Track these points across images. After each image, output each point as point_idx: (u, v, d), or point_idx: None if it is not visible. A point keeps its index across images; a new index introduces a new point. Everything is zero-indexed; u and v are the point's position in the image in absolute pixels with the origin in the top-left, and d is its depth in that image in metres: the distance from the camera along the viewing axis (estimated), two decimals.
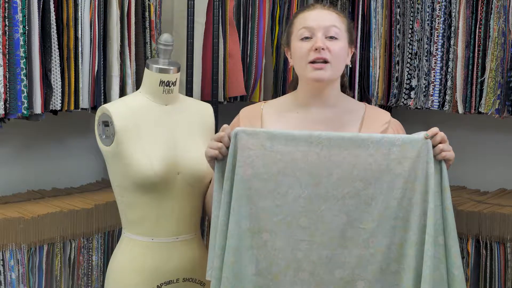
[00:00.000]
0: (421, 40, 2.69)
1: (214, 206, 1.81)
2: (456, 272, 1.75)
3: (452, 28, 2.60)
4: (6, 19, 2.15)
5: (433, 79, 2.65)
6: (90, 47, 2.37)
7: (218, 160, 1.81)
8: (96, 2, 2.36)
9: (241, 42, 2.81)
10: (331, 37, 1.88)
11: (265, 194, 1.79)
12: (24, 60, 2.19)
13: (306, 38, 1.89)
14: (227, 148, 1.79)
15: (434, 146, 1.76)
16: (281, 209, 1.78)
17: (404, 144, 1.77)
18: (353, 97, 2.19)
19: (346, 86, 2.07)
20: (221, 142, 1.79)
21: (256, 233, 1.79)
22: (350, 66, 2.18)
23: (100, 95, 2.40)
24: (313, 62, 1.87)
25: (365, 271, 1.78)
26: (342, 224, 1.78)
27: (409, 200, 1.76)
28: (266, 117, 1.99)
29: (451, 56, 2.61)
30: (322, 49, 1.85)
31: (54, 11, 2.26)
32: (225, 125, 1.82)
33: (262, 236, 1.79)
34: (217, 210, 1.80)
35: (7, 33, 2.15)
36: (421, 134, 1.78)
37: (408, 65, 2.73)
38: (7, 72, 2.16)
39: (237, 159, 1.78)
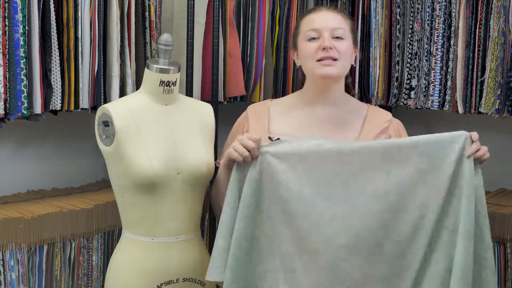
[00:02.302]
0: (421, 40, 2.69)
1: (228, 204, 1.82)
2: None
3: (452, 28, 2.60)
4: (6, 19, 2.15)
5: (433, 79, 2.65)
6: (90, 47, 2.37)
7: (238, 164, 1.81)
8: (96, 2, 2.36)
9: (241, 42, 2.81)
10: (337, 37, 1.93)
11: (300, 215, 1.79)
12: (24, 60, 2.19)
13: (313, 38, 1.94)
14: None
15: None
16: (319, 229, 1.78)
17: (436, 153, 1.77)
18: (356, 97, 2.24)
19: (351, 87, 2.12)
20: (249, 151, 1.79)
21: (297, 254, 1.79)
22: (354, 65, 2.22)
23: (100, 95, 2.40)
24: (320, 60, 1.91)
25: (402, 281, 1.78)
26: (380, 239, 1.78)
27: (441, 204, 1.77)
28: (273, 114, 2.04)
29: (451, 56, 2.61)
30: (330, 48, 1.90)
31: (54, 11, 2.26)
32: (258, 138, 1.82)
33: (303, 258, 1.79)
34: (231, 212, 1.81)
35: (7, 33, 2.15)
36: (457, 144, 1.78)
37: (408, 65, 2.73)
38: (7, 72, 2.16)
39: (265, 179, 1.79)
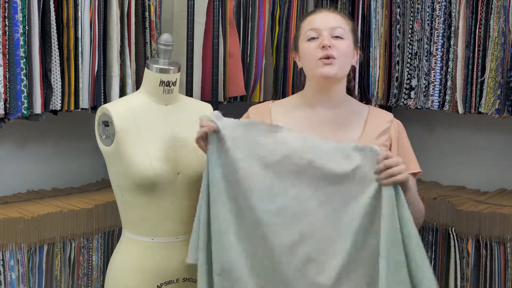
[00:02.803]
0: (421, 40, 2.69)
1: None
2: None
3: (452, 28, 2.60)
4: (6, 19, 2.15)
5: (433, 79, 2.65)
6: (90, 47, 2.37)
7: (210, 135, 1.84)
8: (96, 2, 2.36)
9: (241, 42, 2.81)
10: (337, 37, 1.94)
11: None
12: (24, 60, 2.19)
13: (313, 38, 1.95)
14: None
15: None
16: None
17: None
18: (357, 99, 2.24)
19: (353, 91, 2.12)
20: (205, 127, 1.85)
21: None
22: (355, 66, 2.22)
23: (100, 95, 2.40)
24: (320, 59, 1.92)
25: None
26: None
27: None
28: (275, 116, 2.04)
29: (451, 56, 2.61)
30: (329, 46, 1.90)
31: (54, 11, 2.26)
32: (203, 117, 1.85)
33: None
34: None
35: (7, 33, 2.15)
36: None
37: (408, 65, 2.73)
38: (7, 72, 2.16)
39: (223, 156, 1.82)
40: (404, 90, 2.74)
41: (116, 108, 2.02)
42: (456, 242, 2.49)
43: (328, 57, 1.92)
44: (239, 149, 1.81)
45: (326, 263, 1.75)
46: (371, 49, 2.82)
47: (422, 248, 1.69)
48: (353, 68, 2.06)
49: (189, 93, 2.52)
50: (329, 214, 1.76)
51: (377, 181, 1.70)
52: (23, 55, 2.18)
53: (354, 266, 1.74)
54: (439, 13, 2.63)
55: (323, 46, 1.92)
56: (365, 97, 2.85)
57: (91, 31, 2.36)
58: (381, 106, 2.81)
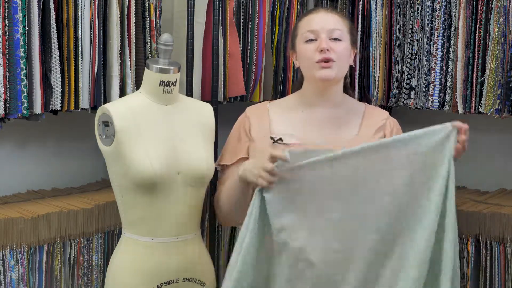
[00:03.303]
0: (421, 40, 2.69)
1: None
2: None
3: (452, 28, 2.60)
4: (6, 19, 2.15)
5: (433, 79, 2.65)
6: (90, 47, 2.37)
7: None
8: (96, 2, 2.36)
9: (241, 42, 2.81)
10: (335, 39, 1.93)
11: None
12: (24, 60, 2.19)
13: (311, 40, 1.95)
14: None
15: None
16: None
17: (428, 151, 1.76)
18: (354, 97, 2.24)
19: (349, 87, 2.12)
20: (273, 175, 1.77)
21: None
22: (353, 66, 2.23)
23: (100, 95, 2.40)
24: (318, 62, 1.92)
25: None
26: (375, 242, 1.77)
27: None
28: (273, 116, 2.04)
29: (451, 56, 2.61)
30: (327, 50, 1.90)
31: (54, 11, 2.26)
32: (277, 155, 1.77)
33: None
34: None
35: (7, 33, 2.15)
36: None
37: (408, 65, 2.73)
38: (7, 72, 2.16)
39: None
40: (404, 90, 2.74)
41: (116, 108, 2.02)
42: None
43: (326, 60, 1.92)
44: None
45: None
46: (371, 49, 2.82)
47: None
48: (350, 67, 2.07)
49: (189, 93, 2.52)
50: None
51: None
52: (23, 55, 2.18)
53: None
54: (439, 13, 2.63)
55: (321, 50, 1.92)
56: (365, 97, 2.85)
57: (91, 31, 2.36)
58: (381, 106, 2.81)
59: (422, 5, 2.68)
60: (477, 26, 2.53)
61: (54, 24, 2.26)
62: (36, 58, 2.23)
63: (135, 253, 2.06)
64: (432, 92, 2.66)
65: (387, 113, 2.07)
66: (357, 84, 2.85)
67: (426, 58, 2.68)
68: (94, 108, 2.39)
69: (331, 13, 2.02)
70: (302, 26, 2.01)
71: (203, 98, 2.63)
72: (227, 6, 2.72)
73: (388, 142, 1.78)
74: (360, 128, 1.99)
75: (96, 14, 2.36)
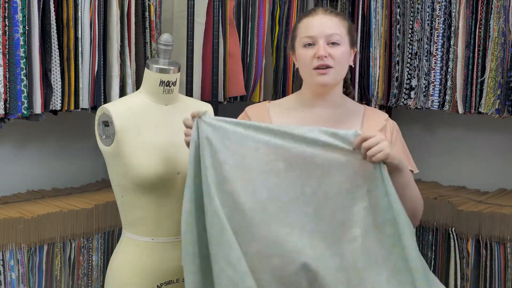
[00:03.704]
0: (421, 40, 2.69)
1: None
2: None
3: (452, 28, 2.60)
4: (6, 19, 2.15)
5: (433, 79, 2.65)
6: (90, 47, 2.37)
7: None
8: (96, 2, 2.36)
9: (241, 42, 2.81)
10: (333, 43, 1.93)
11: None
12: (24, 60, 2.19)
13: (309, 45, 1.94)
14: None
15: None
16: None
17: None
18: (354, 95, 2.24)
19: (349, 84, 2.12)
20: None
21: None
22: (353, 66, 2.22)
23: (100, 95, 2.40)
24: (316, 68, 1.92)
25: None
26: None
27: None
28: (273, 116, 2.03)
29: (451, 56, 2.61)
30: (325, 56, 1.90)
31: (54, 11, 2.26)
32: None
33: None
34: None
35: (7, 33, 2.15)
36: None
37: (408, 65, 2.73)
38: (7, 72, 2.16)
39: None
40: (404, 90, 2.74)
41: (116, 108, 2.02)
42: (456, 242, 2.49)
43: (324, 67, 1.92)
44: (226, 146, 1.79)
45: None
46: (371, 49, 2.82)
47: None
48: (350, 67, 2.07)
49: (189, 93, 2.52)
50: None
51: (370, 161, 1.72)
52: (23, 55, 2.18)
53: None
54: (439, 13, 2.63)
55: (319, 57, 1.92)
56: (365, 97, 2.85)
57: (91, 31, 2.36)
58: (381, 106, 2.81)
59: (422, 5, 2.68)
60: (477, 26, 2.53)
61: (54, 24, 2.26)
62: (36, 58, 2.23)
63: (135, 253, 2.06)
64: (432, 92, 2.66)
65: (386, 114, 2.07)
66: (357, 84, 2.85)
67: (426, 58, 2.68)
68: (94, 108, 2.39)
69: (329, 15, 2.00)
70: (300, 29, 2.00)
71: (203, 98, 2.63)
72: (227, 6, 2.72)
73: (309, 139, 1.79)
74: (362, 130, 1.99)
75: (96, 14, 2.36)
